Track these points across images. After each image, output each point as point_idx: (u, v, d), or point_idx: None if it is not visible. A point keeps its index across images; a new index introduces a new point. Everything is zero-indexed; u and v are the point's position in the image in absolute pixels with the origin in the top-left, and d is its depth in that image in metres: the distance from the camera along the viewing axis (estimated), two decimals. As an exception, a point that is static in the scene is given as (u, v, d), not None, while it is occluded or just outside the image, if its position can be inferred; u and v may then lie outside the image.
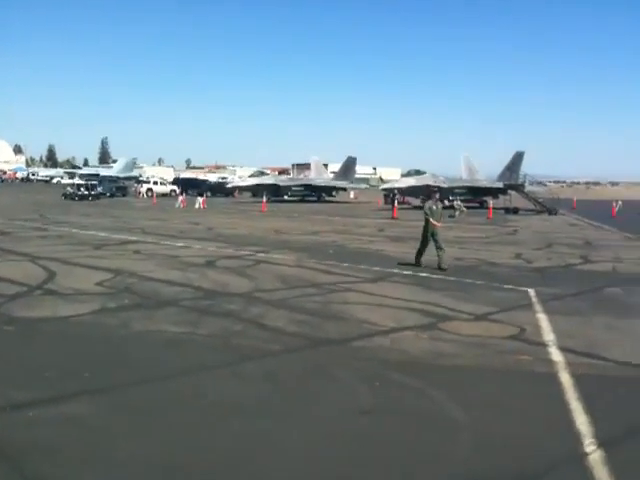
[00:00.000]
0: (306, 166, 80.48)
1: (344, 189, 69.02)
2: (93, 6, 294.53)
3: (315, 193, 65.65)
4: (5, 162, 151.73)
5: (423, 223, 16.04)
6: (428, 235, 15.72)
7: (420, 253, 16.02)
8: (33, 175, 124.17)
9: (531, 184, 55.67)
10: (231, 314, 9.86)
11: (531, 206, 49.33)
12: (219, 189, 72.01)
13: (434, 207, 16.03)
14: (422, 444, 5.24)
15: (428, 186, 51.58)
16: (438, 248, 15.49)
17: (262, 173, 70.95)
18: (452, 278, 14.08)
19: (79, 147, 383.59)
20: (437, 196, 17.06)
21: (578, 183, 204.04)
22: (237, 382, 6.70)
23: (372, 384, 6.62)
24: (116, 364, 7.23)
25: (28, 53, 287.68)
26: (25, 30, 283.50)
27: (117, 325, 9.01)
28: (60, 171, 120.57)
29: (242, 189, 65.81)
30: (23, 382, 6.48)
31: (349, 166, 69.95)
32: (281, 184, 63.31)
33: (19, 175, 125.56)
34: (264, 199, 48.31)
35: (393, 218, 37.13)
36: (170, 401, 6.08)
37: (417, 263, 15.89)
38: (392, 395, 6.37)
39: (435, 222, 15.60)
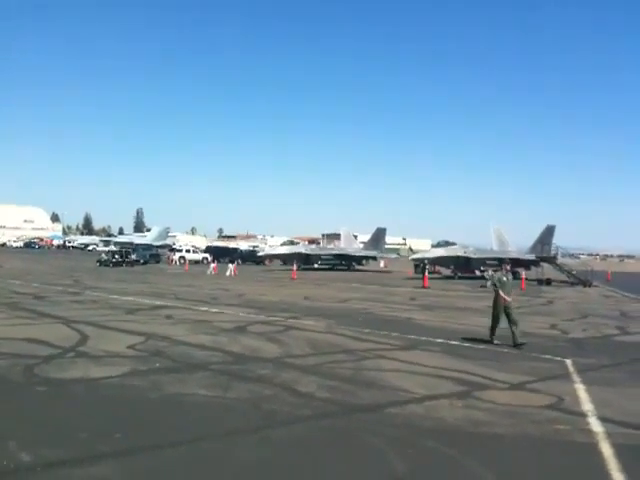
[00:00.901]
0: (336, 236, 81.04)
1: (374, 258, 69.05)
2: (119, 72, 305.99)
3: (345, 262, 65.77)
4: (42, 229, 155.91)
5: (493, 296, 14.71)
6: (499, 309, 14.36)
7: (493, 329, 14.52)
8: (69, 242, 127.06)
9: (564, 256, 55.09)
10: (261, 379, 9.79)
11: (564, 278, 48.64)
12: (250, 257, 72.65)
13: (504, 278, 14.73)
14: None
15: (459, 257, 51.54)
16: (512, 323, 14.10)
17: (292, 242, 71.42)
18: (486, 347, 13.84)
19: (115, 216, 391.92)
20: (508, 267, 15.67)
21: (611, 256, 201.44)
22: (267, 447, 6.59)
23: (405, 451, 6.46)
24: (146, 426, 7.20)
25: (63, 120, 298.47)
26: (60, 98, 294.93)
27: (148, 388, 9.00)
28: (96, 239, 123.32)
29: (273, 257, 66.32)
30: (55, 442, 6.47)
31: (379, 236, 70.20)
32: (311, 252, 63.67)
33: (55, 242, 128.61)
34: (294, 267, 48.52)
35: (424, 287, 36.88)
36: (199, 464, 6.00)
37: (491, 340, 14.39)
38: (425, 463, 6.20)
39: (505, 296, 14.29)
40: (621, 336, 16.96)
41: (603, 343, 15.50)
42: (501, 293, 14.34)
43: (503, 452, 6.61)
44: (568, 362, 12.13)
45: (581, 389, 9.72)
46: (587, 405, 8.65)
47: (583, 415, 8.14)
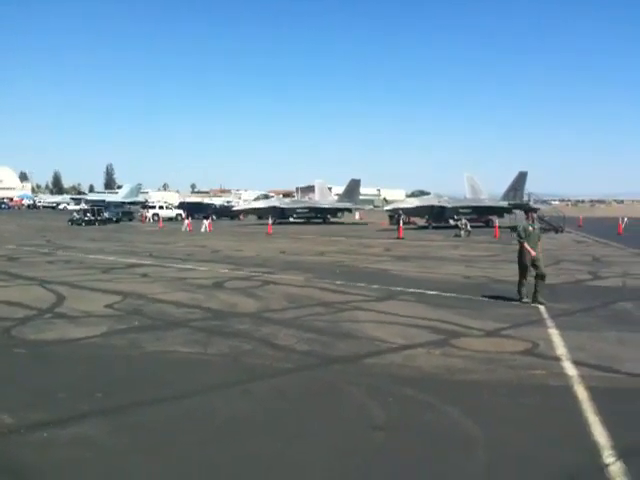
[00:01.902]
0: (310, 189, 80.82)
1: (349, 210, 69.12)
2: (93, 31, 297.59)
3: (320, 215, 65.75)
4: (11, 189, 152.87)
5: (518, 247, 13.59)
6: (525, 262, 13.17)
7: (521, 284, 13.37)
8: (39, 202, 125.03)
9: (536, 203, 55.69)
10: (240, 334, 9.84)
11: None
12: (224, 212, 72.29)
13: (530, 228, 13.40)
14: (436, 460, 5.19)
15: (433, 206, 51.76)
16: (538, 277, 13.01)
17: (266, 196, 70.98)
18: (460, 295, 14.04)
19: (84, 174, 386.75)
20: (534, 215, 14.01)
21: (583, 201, 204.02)
22: (248, 401, 6.66)
23: (384, 400, 6.58)
24: (127, 385, 7.22)
25: (32, 79, 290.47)
26: (28, 54, 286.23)
27: (127, 346, 9.01)
28: (66, 197, 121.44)
29: (247, 212, 66.02)
30: (36, 403, 6.46)
31: (353, 188, 70.10)
32: (286, 206, 63.47)
33: (25, 202, 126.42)
34: (270, 221, 48.40)
35: (399, 238, 37.10)
36: (181, 420, 6.05)
37: (520, 297, 13.26)
38: (405, 411, 6.32)
39: (530, 249, 13.02)
40: (593, 281, 17.28)
41: (576, 288, 15.80)
42: (526, 246, 13.11)
43: (480, 398, 6.75)
44: (542, 308, 12.37)
45: (555, 334, 9.93)
46: (561, 349, 8.85)
47: (557, 359, 8.33)
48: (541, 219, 49.16)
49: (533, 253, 13.05)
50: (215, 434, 5.72)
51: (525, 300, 13.06)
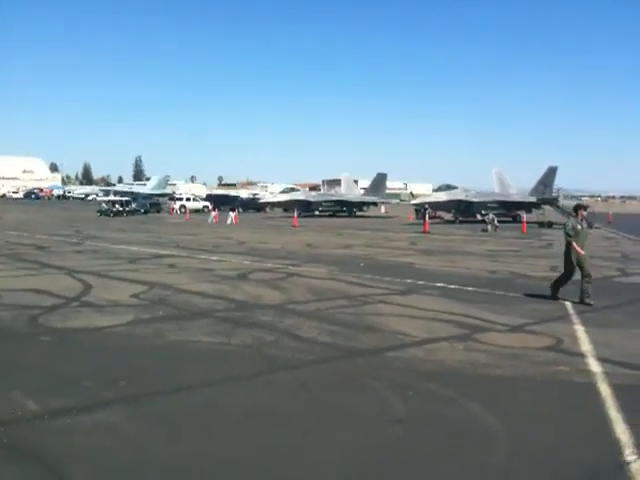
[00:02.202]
0: (336, 182, 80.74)
1: (375, 204, 68.95)
2: (126, 25, 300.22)
3: (346, 208, 65.68)
4: (41, 180, 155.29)
5: (564, 247, 12.89)
6: (573, 261, 12.49)
7: (561, 282, 12.89)
8: (69, 193, 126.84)
9: (565, 198, 54.95)
10: (264, 325, 9.89)
11: (565, 220, 48.68)
12: (251, 205, 72.64)
13: (579, 227, 12.67)
14: (456, 454, 5.17)
15: (460, 200, 51.38)
16: (584, 277, 12.36)
17: (292, 189, 71.29)
18: (485, 290, 13.94)
19: (114, 165, 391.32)
20: (584, 213, 13.16)
21: (613, 197, 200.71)
22: (270, 392, 6.69)
23: (406, 394, 6.56)
24: (151, 373, 7.30)
25: (62, 71, 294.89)
26: (56, 45, 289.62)
27: (152, 335, 9.10)
28: (95, 189, 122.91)
29: (273, 205, 66.22)
30: (61, 390, 6.56)
31: (379, 182, 69.90)
32: (312, 199, 63.51)
33: (55, 193, 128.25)
34: (295, 214, 48.51)
35: (425, 232, 36.93)
36: (202, 410, 6.10)
37: (553, 295, 12.84)
38: (426, 405, 6.30)
39: (579, 249, 12.37)
40: (621, 277, 17.06)
41: (603, 284, 15.53)
42: (574, 245, 12.41)
43: (503, 393, 6.70)
44: (568, 304, 12.23)
45: (580, 330, 9.82)
46: (586, 346, 8.75)
47: (582, 356, 8.24)
48: (569, 214, 48.65)
49: (582, 253, 12.45)
50: (235, 425, 5.75)
51: (559, 298, 12.68)
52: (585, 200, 77.02)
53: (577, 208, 13.43)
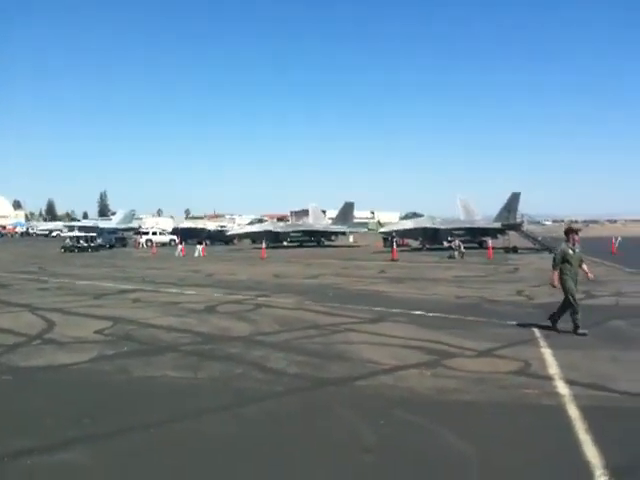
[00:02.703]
0: (304, 212, 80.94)
1: (343, 233, 69.18)
2: (84, 56, 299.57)
3: (314, 238, 65.76)
4: (4, 217, 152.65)
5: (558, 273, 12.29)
6: (569, 286, 12.07)
7: (560, 314, 12.22)
8: (32, 229, 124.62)
9: (529, 224, 55.83)
10: (231, 357, 9.76)
11: (530, 245, 49.42)
12: (218, 237, 72.17)
13: (570, 251, 12.26)
14: (429, 481, 5.11)
15: (426, 228, 51.87)
16: (569, 308, 11.99)
17: (260, 220, 71.04)
18: (453, 316, 14.00)
19: (78, 201, 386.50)
20: (576, 237, 12.62)
21: (576, 221, 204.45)
22: (239, 424, 6.57)
23: (376, 422, 6.50)
24: (115, 410, 7.13)
25: (26, 107, 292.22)
26: (21, 84, 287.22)
27: (116, 371, 8.91)
28: (59, 224, 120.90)
29: (241, 236, 65.96)
30: (22, 430, 6.36)
31: (347, 211, 70.28)
32: (280, 230, 63.52)
33: (18, 230, 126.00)
34: (264, 245, 48.36)
35: (393, 260, 37.09)
36: (171, 445, 5.96)
37: (553, 325, 12.15)
38: (397, 433, 6.25)
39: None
40: (586, 300, 17.25)
41: (568, 307, 15.73)
42: (555, 275, 12.12)
43: (473, 419, 6.68)
44: (534, 328, 12.32)
45: (547, 353, 9.89)
46: (553, 369, 8.80)
47: (550, 379, 8.28)
48: (534, 239, 49.45)
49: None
50: (205, 459, 5.62)
51: (560, 329, 11.94)
52: (548, 224, 78.47)
53: (568, 232, 12.74)
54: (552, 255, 12.43)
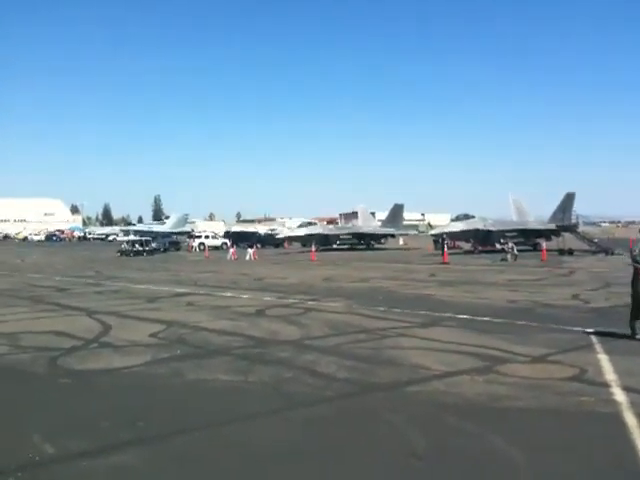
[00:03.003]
0: (353, 215, 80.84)
1: (392, 236, 68.86)
2: (141, 58, 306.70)
3: (363, 241, 65.67)
4: (62, 222, 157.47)
5: (632, 274, 11.56)
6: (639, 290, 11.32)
7: (633, 318, 11.41)
8: (90, 234, 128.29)
9: (585, 225, 54.50)
10: (281, 361, 9.83)
11: (586, 247, 48.22)
12: (269, 240, 72.85)
13: None
14: (480, 489, 5.05)
15: (478, 230, 51.23)
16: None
17: (310, 223, 71.55)
18: (505, 321, 13.76)
19: (133, 205, 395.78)
20: None
21: (634, 222, 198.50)
22: (288, 429, 6.61)
23: (426, 429, 6.45)
24: (168, 413, 7.25)
25: (80, 115, 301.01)
26: (69, 86, 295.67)
27: (169, 375, 9.08)
28: (115, 229, 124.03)
29: (291, 239, 66.44)
30: (78, 433, 6.53)
31: (396, 213, 69.89)
32: (329, 233, 63.71)
33: (76, 234, 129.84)
34: (313, 248, 48.52)
35: (444, 263, 36.72)
36: (221, 449, 6.04)
37: (632, 333, 11.27)
38: (447, 439, 6.18)
39: None
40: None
41: (626, 312, 15.24)
42: None
43: (526, 426, 6.56)
44: (591, 332, 12.01)
45: (604, 359, 9.62)
46: (610, 375, 8.56)
47: (606, 385, 8.06)
48: (590, 241, 48.22)
49: None
50: (254, 463, 5.68)
51: (639, 337, 11.15)
52: (605, 226, 76.37)
53: None
54: (632, 255, 11.48)
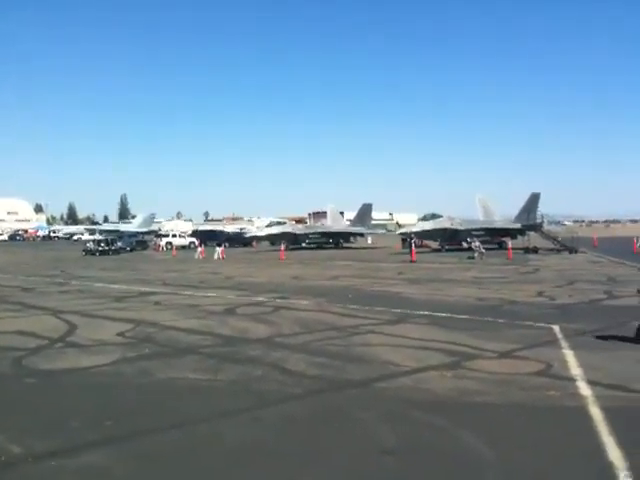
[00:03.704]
0: (322, 214, 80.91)
1: (361, 235, 69.07)
2: (106, 57, 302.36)
3: (332, 240, 65.75)
4: (26, 221, 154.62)
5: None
6: None
7: None
8: (54, 233, 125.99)
9: (549, 224, 55.38)
10: (251, 360, 9.80)
11: (551, 245, 49.01)
12: (237, 239, 72.35)
13: None
14: (450, 483, 5.10)
15: (445, 229, 51.76)
16: None
17: (279, 223, 71.39)
18: (473, 317, 13.92)
19: (99, 204, 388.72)
20: None
21: (597, 222, 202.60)
22: (258, 427, 6.59)
23: (396, 425, 6.49)
24: (137, 412, 7.18)
25: (45, 111, 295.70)
26: (40, 86, 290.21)
27: (137, 374, 8.99)
28: (81, 228, 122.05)
29: (260, 239, 66.12)
30: (45, 432, 6.44)
31: (365, 212, 70.11)
32: (298, 232, 63.57)
33: (40, 233, 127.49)
34: (282, 247, 48.41)
35: (412, 262, 36.96)
36: (191, 447, 5.99)
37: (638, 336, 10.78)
38: (416, 435, 6.23)
39: None
40: (608, 300, 17.11)
41: (590, 308, 15.62)
42: None
43: (494, 421, 6.64)
44: (556, 328, 12.22)
45: (569, 354, 9.80)
46: (576, 370, 8.73)
47: (572, 380, 8.21)
48: (555, 240, 49.03)
49: None
50: (225, 461, 5.66)
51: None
52: (569, 225, 77.79)
53: None
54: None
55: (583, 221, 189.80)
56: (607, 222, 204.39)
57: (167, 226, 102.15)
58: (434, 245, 54.73)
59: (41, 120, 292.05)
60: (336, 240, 65.81)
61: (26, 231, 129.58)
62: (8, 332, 12.70)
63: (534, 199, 57.85)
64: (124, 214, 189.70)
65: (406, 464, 5.53)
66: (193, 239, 67.88)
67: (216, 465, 5.56)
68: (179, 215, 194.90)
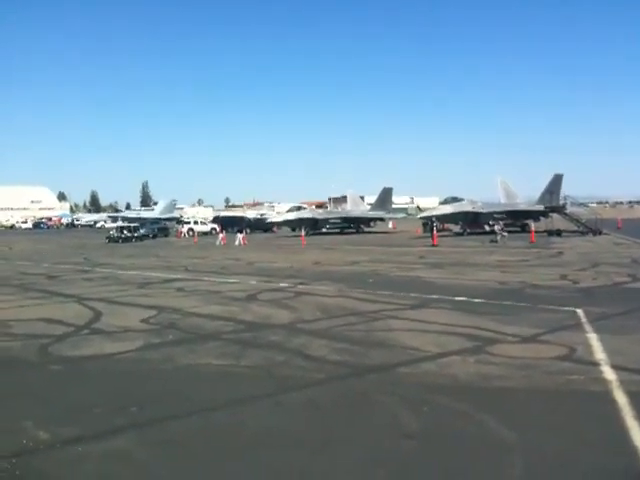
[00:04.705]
0: (343, 199, 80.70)
1: (382, 219, 68.95)
2: (120, 51, 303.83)
3: (353, 225, 65.73)
4: (49, 209, 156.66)
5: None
6: None
7: None
8: (77, 220, 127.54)
9: (573, 206, 54.77)
10: (273, 345, 9.85)
11: (574, 228, 48.48)
12: (258, 225, 72.65)
13: None
14: (472, 468, 5.09)
15: (467, 212, 51.41)
16: None
17: (299, 208, 71.20)
18: (495, 302, 13.84)
19: (121, 192, 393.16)
20: None
21: (621, 203, 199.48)
22: (280, 412, 6.63)
23: (418, 410, 6.49)
24: (161, 398, 7.26)
25: (67, 102, 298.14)
26: (64, 80, 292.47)
27: (162, 360, 9.08)
28: (103, 215, 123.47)
29: (281, 224, 66.36)
30: (71, 419, 6.54)
31: (385, 197, 69.96)
32: (319, 217, 63.65)
33: (64, 221, 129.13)
34: (303, 233, 48.50)
35: (433, 245, 36.82)
36: (214, 433, 6.06)
37: None
38: (439, 420, 6.22)
39: None
40: (632, 283, 16.90)
41: (614, 291, 15.45)
42: None
43: (517, 405, 6.62)
44: (579, 312, 12.11)
45: (593, 338, 9.71)
46: (600, 354, 8.64)
47: (596, 364, 8.14)
48: (578, 221, 48.49)
49: None
50: (247, 447, 5.70)
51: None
52: (592, 206, 76.75)
53: None
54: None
55: (607, 202, 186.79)
56: (631, 203, 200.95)
57: (189, 212, 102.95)
58: (455, 229, 54.45)
59: (63, 109, 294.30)
60: (357, 225, 65.81)
61: (50, 219, 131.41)
62: (34, 319, 12.89)
63: (557, 180, 57.24)
64: (146, 201, 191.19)
65: (428, 448, 5.53)
66: (214, 225, 68.29)
67: (239, 451, 5.60)
68: (200, 201, 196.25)
